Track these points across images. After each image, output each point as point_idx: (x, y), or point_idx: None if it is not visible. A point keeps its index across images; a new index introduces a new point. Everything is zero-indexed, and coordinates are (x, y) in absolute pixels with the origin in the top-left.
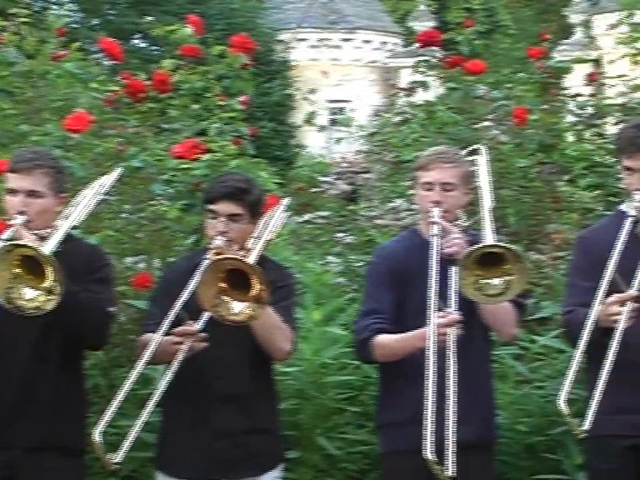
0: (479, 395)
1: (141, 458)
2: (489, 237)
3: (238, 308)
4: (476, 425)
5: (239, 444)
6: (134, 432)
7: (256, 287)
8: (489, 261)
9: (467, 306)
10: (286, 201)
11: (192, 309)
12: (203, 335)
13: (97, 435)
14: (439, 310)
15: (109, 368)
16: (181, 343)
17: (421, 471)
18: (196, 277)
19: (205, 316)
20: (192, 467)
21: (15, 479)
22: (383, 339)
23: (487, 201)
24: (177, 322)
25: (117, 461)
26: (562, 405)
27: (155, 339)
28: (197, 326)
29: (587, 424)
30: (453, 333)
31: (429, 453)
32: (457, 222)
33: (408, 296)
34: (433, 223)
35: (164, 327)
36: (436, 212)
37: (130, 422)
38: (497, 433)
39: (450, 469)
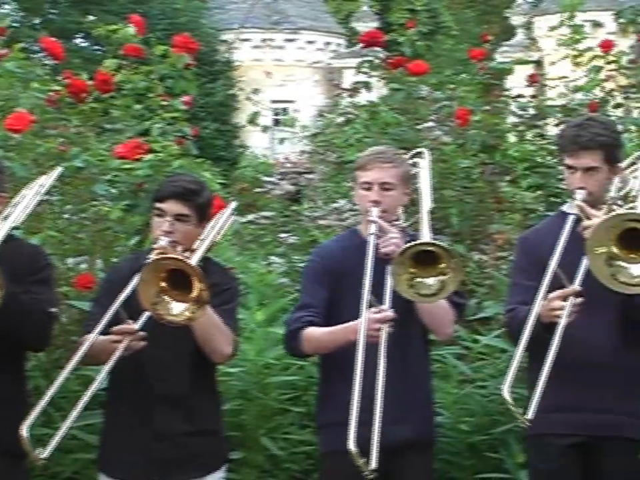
0: (418, 394)
1: (83, 459)
2: (425, 237)
3: (177, 309)
4: (415, 423)
5: (178, 445)
6: (64, 428)
7: (196, 288)
8: (425, 259)
9: (405, 305)
10: (234, 204)
11: (134, 309)
12: (141, 334)
13: (24, 430)
14: (372, 306)
15: (51, 369)
16: (119, 342)
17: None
18: (137, 276)
19: (145, 315)
20: (132, 467)
21: None
22: (312, 330)
23: (426, 203)
24: (117, 321)
25: (44, 456)
26: (506, 395)
27: (90, 338)
28: (136, 325)
29: (531, 413)
30: (385, 330)
31: (352, 446)
32: (396, 222)
33: (344, 296)
34: (371, 222)
35: (100, 326)
36: (374, 211)
37: (72, 424)
38: (437, 432)
39: (373, 461)
